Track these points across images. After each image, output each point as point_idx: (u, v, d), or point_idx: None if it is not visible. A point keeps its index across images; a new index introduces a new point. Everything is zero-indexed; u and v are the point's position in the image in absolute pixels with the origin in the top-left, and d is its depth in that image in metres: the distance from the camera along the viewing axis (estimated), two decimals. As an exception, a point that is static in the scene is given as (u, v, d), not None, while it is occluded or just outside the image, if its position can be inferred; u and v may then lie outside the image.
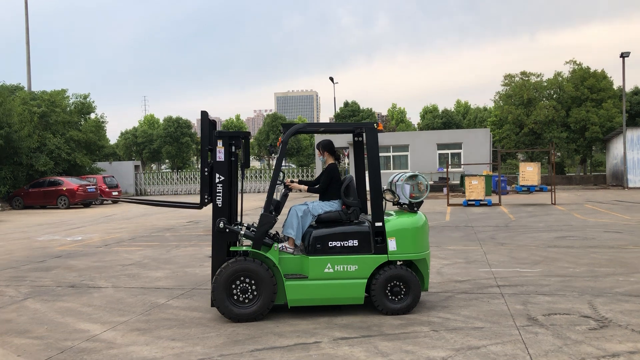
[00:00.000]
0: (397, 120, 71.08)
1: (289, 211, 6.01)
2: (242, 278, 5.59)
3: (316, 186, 6.26)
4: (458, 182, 29.39)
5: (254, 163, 76.87)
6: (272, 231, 6.06)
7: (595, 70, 41.69)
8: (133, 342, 5.06)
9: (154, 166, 74.81)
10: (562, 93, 41.53)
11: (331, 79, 48.40)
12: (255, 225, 6.02)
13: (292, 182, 6.26)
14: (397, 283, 5.72)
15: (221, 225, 5.76)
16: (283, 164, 6.62)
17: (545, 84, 43.10)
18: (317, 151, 7.24)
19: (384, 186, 6.33)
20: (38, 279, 8.25)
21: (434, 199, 24.17)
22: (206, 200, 5.96)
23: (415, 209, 6.12)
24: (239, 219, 6.41)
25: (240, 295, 5.59)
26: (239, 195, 6.32)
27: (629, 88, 44.29)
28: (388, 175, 7.22)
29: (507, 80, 44.12)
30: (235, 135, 6.03)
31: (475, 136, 32.29)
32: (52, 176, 27.06)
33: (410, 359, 4.44)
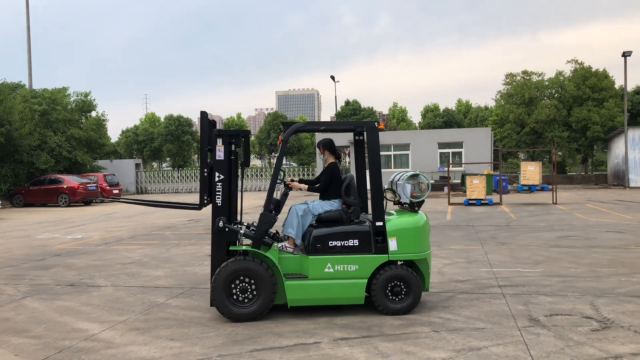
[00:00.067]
0: (398, 119, 70.99)
1: (289, 210, 5.97)
2: (241, 277, 5.55)
3: (316, 185, 6.21)
4: (459, 181, 29.33)
5: (255, 161, 76.81)
6: (272, 230, 6.02)
7: (597, 69, 41.63)
8: (131, 342, 5.02)
9: (154, 164, 74.77)
10: (564, 92, 41.44)
11: (332, 77, 48.33)
12: (255, 224, 5.98)
13: (292, 181, 6.22)
14: (398, 283, 5.68)
15: (221, 224, 5.73)
16: (283, 162, 6.58)
17: (547, 83, 43.02)
18: (317, 150, 7.20)
19: (385, 185, 6.29)
20: (37, 278, 8.22)
21: (434, 198, 24.13)
22: (205, 201, 5.92)
23: (416, 208, 6.08)
24: (238, 218, 6.37)
25: (240, 295, 5.56)
26: (239, 194, 6.28)
27: (630, 87, 44.18)
28: (389, 175, 7.18)
29: (508, 79, 44.04)
30: (235, 133, 5.99)
31: (477, 135, 32.24)
32: (52, 174, 27.05)
33: (410, 360, 4.40)
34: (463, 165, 30.32)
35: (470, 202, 20.46)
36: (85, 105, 33.82)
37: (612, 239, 10.78)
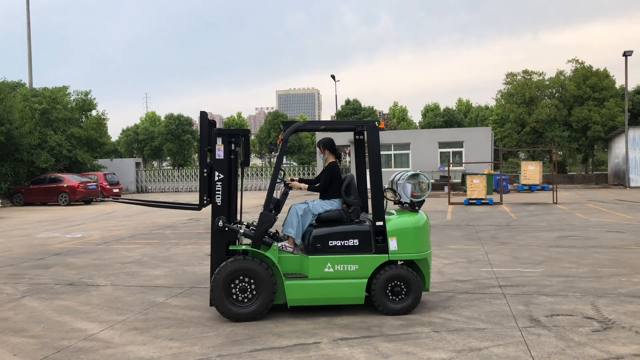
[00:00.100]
0: (398, 118, 70.90)
1: (289, 210, 5.94)
2: (241, 277, 5.53)
3: (317, 185, 6.19)
4: (459, 180, 29.30)
5: (256, 161, 76.80)
6: (272, 230, 6.00)
7: (598, 69, 41.56)
8: (130, 342, 5.00)
9: (155, 163, 74.74)
10: (564, 92, 41.38)
11: (333, 77, 48.30)
12: (254, 223, 5.96)
13: (292, 180, 6.20)
14: (398, 283, 5.66)
15: (220, 224, 5.70)
16: (284, 162, 6.56)
17: (547, 82, 42.95)
18: (317, 149, 7.17)
19: (385, 185, 6.26)
20: (36, 277, 8.20)
21: (435, 198, 24.11)
22: (205, 202, 5.89)
23: (417, 208, 6.05)
24: (238, 218, 6.35)
25: (240, 295, 5.54)
26: (239, 194, 6.26)
27: (631, 87, 44.12)
28: (389, 174, 7.16)
29: (509, 79, 43.97)
30: (235, 132, 5.96)
31: (477, 135, 32.21)
32: (53, 173, 27.04)
33: (410, 360, 4.38)
34: (463, 164, 30.28)
35: (470, 201, 20.43)
36: (86, 104, 33.79)
37: (612, 239, 10.75)
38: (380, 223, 5.66)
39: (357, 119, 56.28)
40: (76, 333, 5.33)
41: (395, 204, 6.43)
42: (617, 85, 41.96)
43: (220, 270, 5.52)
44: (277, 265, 5.59)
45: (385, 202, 5.97)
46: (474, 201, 20.36)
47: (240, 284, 5.53)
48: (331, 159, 6.20)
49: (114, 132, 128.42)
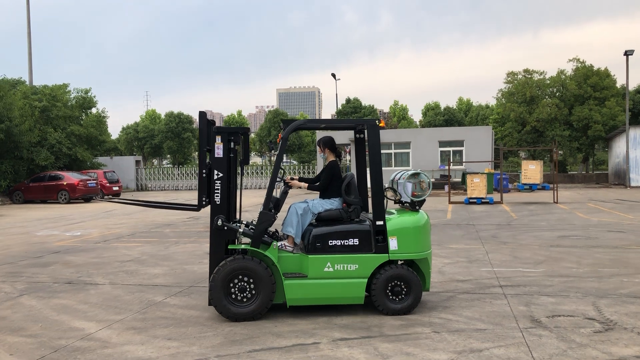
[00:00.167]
0: (399, 117, 70.82)
1: (289, 209, 5.90)
2: (240, 277, 5.49)
3: (317, 184, 6.15)
4: (460, 179, 29.26)
5: (256, 159, 76.73)
6: (272, 229, 5.96)
7: (599, 68, 41.48)
8: (128, 342, 4.96)
9: (155, 161, 74.72)
10: (565, 91, 41.31)
11: (333, 75, 48.24)
12: (254, 223, 5.91)
13: (292, 179, 6.15)
14: (398, 283, 5.62)
15: (219, 222, 5.66)
16: (284, 160, 6.52)
17: (548, 81, 42.88)
18: (318, 148, 7.13)
19: (386, 184, 6.22)
20: (35, 275, 8.16)
21: (435, 197, 24.06)
22: (204, 202, 5.85)
23: (417, 207, 6.01)
24: (237, 217, 6.31)
25: (238, 294, 5.50)
26: (238, 192, 6.22)
27: (632, 86, 44.01)
28: (389, 173, 7.11)
29: (509, 78, 43.88)
30: (234, 131, 5.92)
31: (477, 134, 32.16)
32: (52, 171, 27.01)
33: (411, 361, 4.34)
34: (464, 163, 30.23)
35: (470, 200, 20.39)
36: (86, 102, 33.75)
37: (613, 239, 10.71)
38: (381, 222, 5.62)
39: (357, 117, 56.23)
40: (74, 332, 5.29)
41: (395, 203, 6.39)
42: (618, 85, 41.89)
43: (219, 269, 5.48)
44: (276, 264, 5.55)
45: (385, 201, 5.92)
46: (475, 200, 20.32)
47: (240, 284, 5.49)
48: (331, 158, 6.16)
49: (114, 130, 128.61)
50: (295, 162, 60.35)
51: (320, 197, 6.02)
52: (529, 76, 43.19)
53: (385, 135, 32.06)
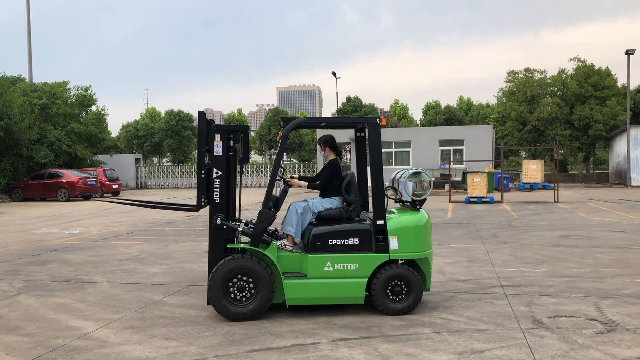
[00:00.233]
0: (399, 116, 70.76)
1: (289, 208, 5.85)
2: (239, 276, 5.44)
3: (317, 182, 6.10)
4: (460, 178, 29.21)
5: (256, 157, 76.71)
6: (271, 228, 5.91)
7: (600, 67, 41.44)
8: (126, 341, 4.91)
9: (155, 159, 74.70)
10: (566, 90, 41.26)
11: (334, 73, 48.14)
12: (253, 221, 5.87)
13: (292, 177, 6.10)
14: (399, 282, 5.57)
15: (218, 221, 5.61)
16: (284, 159, 6.47)
17: (549, 80, 42.84)
18: (318, 146, 7.08)
19: (386, 183, 6.17)
20: (32, 273, 8.11)
21: (435, 196, 24.02)
22: (203, 203, 5.79)
23: (418, 206, 5.96)
24: (237, 215, 6.26)
25: (237, 294, 5.45)
26: (237, 191, 6.17)
27: (633, 86, 44.01)
28: (390, 172, 7.06)
29: (510, 77, 43.84)
30: (234, 129, 5.86)
31: (478, 133, 32.11)
32: (52, 168, 26.93)
33: (411, 362, 4.29)
34: (464, 162, 30.19)
35: (471, 200, 20.34)
36: (86, 100, 33.69)
37: (615, 239, 10.66)
38: (381, 222, 5.57)
39: (358, 116, 56.12)
40: (71, 332, 5.24)
41: (396, 202, 6.34)
42: (619, 84, 41.86)
43: (218, 268, 5.43)
44: (275, 263, 5.50)
45: (386, 200, 5.87)
46: (475, 199, 20.27)
47: (238, 283, 5.44)
48: (332, 157, 6.11)
49: (114, 127, 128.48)
50: (295, 161, 60.30)
51: (320, 196, 5.97)
52: (530, 75, 43.14)
53: (386, 134, 32.01)
